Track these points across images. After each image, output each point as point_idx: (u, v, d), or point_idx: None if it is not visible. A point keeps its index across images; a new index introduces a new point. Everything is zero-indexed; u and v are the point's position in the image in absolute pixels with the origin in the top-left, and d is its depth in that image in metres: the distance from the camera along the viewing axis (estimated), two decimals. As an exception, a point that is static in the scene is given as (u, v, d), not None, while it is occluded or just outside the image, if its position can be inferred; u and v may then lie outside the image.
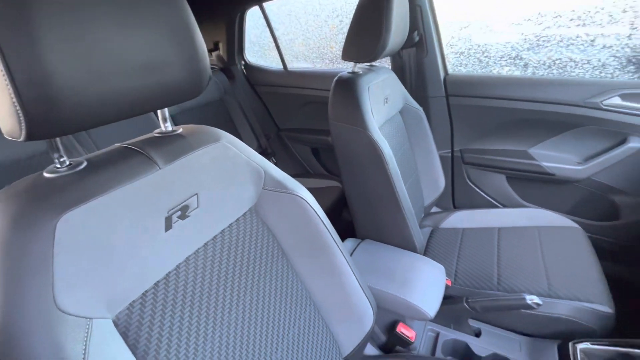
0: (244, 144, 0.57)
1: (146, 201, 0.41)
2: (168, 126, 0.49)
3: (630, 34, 1.11)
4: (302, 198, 0.58)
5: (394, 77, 1.07)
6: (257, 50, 1.88)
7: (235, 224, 0.54)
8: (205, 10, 1.67)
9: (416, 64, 1.26)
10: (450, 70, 1.31)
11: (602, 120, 1.08)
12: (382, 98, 0.96)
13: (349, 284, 0.64)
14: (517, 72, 1.33)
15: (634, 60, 1.12)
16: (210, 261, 0.50)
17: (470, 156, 1.34)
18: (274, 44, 1.67)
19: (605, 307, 0.77)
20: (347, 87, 0.86)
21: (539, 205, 1.24)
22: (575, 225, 1.07)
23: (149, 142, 0.45)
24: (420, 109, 1.17)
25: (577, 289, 0.81)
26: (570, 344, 0.73)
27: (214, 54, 1.77)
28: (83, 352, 0.32)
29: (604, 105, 1.05)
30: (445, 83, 1.28)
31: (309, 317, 0.62)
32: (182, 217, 0.45)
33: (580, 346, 0.73)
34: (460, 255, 1.02)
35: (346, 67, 1.46)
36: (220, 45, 1.76)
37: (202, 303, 0.47)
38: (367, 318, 0.67)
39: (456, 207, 1.44)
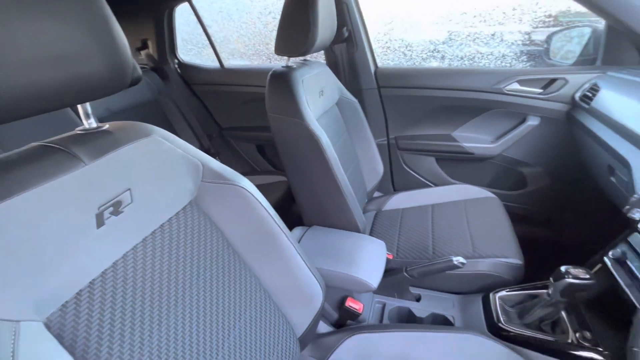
0: (179, 138, 0.57)
1: (73, 198, 0.39)
2: (92, 122, 0.47)
3: (521, 30, 1.31)
4: (243, 188, 0.60)
5: (328, 71, 1.13)
6: (191, 48, 1.82)
7: (175, 218, 0.54)
8: (128, 6, 1.57)
9: (348, 59, 1.34)
10: (379, 64, 1.41)
11: (506, 103, 1.25)
12: (318, 90, 1.01)
13: (297, 267, 0.67)
14: (436, 64, 1.48)
15: (525, 51, 1.31)
16: (151, 257, 0.50)
17: (404, 142, 1.45)
18: (208, 42, 1.63)
19: (516, 260, 0.91)
20: (282, 80, 0.89)
21: (464, 181, 1.40)
22: (493, 195, 1.22)
23: (71, 139, 0.44)
24: (356, 100, 1.24)
25: (495, 248, 0.95)
26: (491, 295, 0.86)
27: (143, 52, 1.68)
28: (11, 355, 0.31)
29: (506, 90, 1.23)
30: (376, 76, 1.38)
31: (260, 303, 0.64)
32: (115, 213, 0.44)
33: (499, 294, 0.85)
34: (401, 233, 1.12)
35: (283, 63, 1.49)
36: (150, 43, 1.68)
37: (145, 299, 0.46)
38: (317, 297, 0.71)
39: (396, 190, 1.55)
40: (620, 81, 0.99)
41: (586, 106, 1.04)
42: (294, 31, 0.87)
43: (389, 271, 0.95)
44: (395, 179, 1.53)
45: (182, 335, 0.49)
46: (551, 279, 0.71)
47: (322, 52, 1.43)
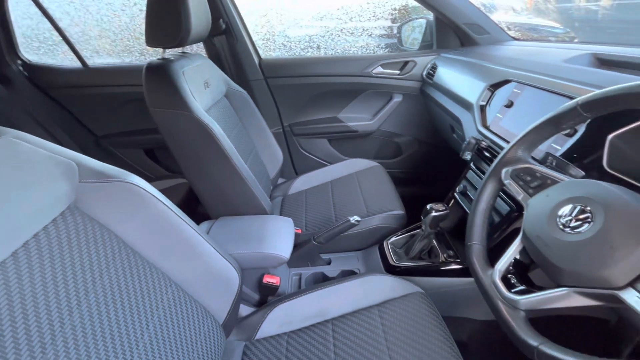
0: (41, 139, 0.51)
1: None
2: None
3: (384, 25, 1.54)
4: (131, 184, 0.57)
5: (210, 63, 1.12)
6: (39, 46, 1.53)
7: (53, 225, 0.49)
8: None
9: (230, 51, 1.35)
10: (262, 55, 1.46)
11: (376, 84, 1.46)
12: (201, 82, 1.00)
13: (207, 255, 0.67)
14: (314, 53, 1.62)
15: (384, 40, 1.55)
16: (27, 270, 0.44)
17: (298, 128, 1.55)
18: (61, 38, 1.40)
19: (399, 211, 1.10)
20: (160, 72, 0.86)
21: (354, 156, 1.57)
22: (378, 164, 1.42)
23: None
24: (244, 92, 1.27)
25: (382, 205, 1.12)
26: (384, 242, 1.02)
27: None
28: None
29: (374, 73, 1.43)
30: (261, 67, 1.42)
31: (173, 298, 0.62)
32: None
33: (389, 241, 1.02)
34: (307, 210, 1.21)
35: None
36: (-26, 42, 1.35)
37: (28, 318, 0.41)
38: (233, 280, 0.73)
39: (298, 173, 1.65)
40: (450, 60, 1.27)
41: (430, 81, 1.30)
42: (164, 21, 0.84)
43: (300, 244, 1.03)
44: (296, 164, 1.62)
45: (85, 345, 0.46)
46: (422, 216, 0.89)
47: (203, 45, 1.40)
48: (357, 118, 1.54)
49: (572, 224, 0.41)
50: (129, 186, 0.57)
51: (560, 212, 0.43)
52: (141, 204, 0.58)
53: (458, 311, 0.90)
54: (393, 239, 1.02)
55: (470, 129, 0.95)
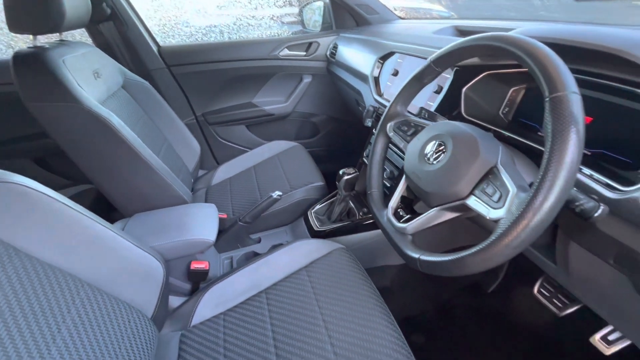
0: None
1: None
2: None
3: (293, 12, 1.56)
4: (14, 183, 0.52)
5: (98, 52, 1.03)
6: None
7: None
8: None
9: (121, 39, 1.24)
10: (161, 43, 1.37)
11: (284, 67, 1.50)
12: (89, 72, 0.91)
13: (121, 250, 0.65)
14: (217, 38, 1.58)
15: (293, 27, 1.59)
16: None
17: (213, 117, 1.52)
18: None
19: (319, 182, 1.17)
20: (32, 61, 0.76)
21: (274, 139, 1.61)
22: (298, 144, 1.48)
23: None
24: (145, 82, 1.19)
25: (304, 179, 1.18)
26: (307, 212, 1.08)
27: None
28: None
29: (281, 56, 1.47)
30: (161, 55, 1.34)
31: (87, 299, 0.59)
32: None
33: (312, 210, 1.09)
34: (232, 196, 1.21)
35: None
36: None
37: None
38: (156, 271, 0.71)
39: (219, 163, 1.62)
40: (348, 39, 1.37)
41: (334, 60, 1.39)
42: (31, 5, 0.75)
43: (228, 229, 1.03)
44: (216, 153, 1.59)
45: None
46: (336, 182, 0.97)
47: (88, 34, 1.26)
48: (272, 101, 1.57)
49: (434, 156, 0.52)
50: (12, 187, 0.52)
51: (426, 150, 0.53)
52: (30, 204, 0.53)
53: (378, 261, 1.02)
54: (317, 207, 1.10)
55: (369, 98, 1.06)
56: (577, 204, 0.40)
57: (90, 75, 0.91)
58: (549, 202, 0.34)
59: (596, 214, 0.39)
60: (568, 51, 0.49)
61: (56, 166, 1.47)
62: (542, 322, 0.97)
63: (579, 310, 0.84)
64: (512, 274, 1.06)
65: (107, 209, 1.32)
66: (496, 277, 1.08)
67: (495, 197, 0.42)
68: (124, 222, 0.91)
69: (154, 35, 1.34)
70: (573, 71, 0.51)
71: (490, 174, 0.45)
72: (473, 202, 0.45)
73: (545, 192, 0.35)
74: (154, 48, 1.33)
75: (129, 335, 0.63)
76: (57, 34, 0.93)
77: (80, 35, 1.28)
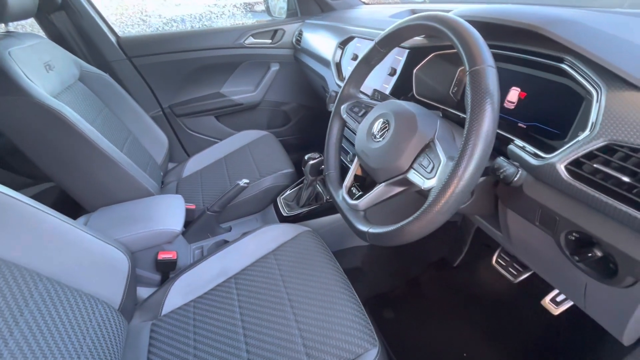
0: None
1: None
2: None
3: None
4: None
5: (49, 43, 0.99)
6: None
7: None
8: None
9: (76, 30, 1.19)
10: (120, 33, 1.33)
11: (251, 55, 1.48)
12: (40, 64, 0.88)
13: (81, 243, 0.64)
14: (179, 28, 1.54)
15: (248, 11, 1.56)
16: None
17: (180, 109, 1.49)
18: None
19: (288, 169, 1.18)
20: None
21: (244, 129, 1.60)
22: (268, 133, 1.48)
23: None
24: (105, 74, 1.15)
25: (273, 167, 1.18)
26: (277, 199, 1.10)
27: None
28: None
29: (246, 44, 1.45)
30: (120, 46, 1.30)
31: (46, 292, 0.59)
32: None
33: (282, 197, 1.11)
34: (203, 188, 1.20)
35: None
36: None
37: None
38: (121, 262, 0.71)
39: (189, 155, 1.60)
40: (312, 25, 1.37)
41: (299, 47, 1.39)
42: None
43: (197, 219, 1.04)
44: (186, 145, 1.57)
45: None
46: (302, 167, 0.99)
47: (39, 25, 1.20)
48: (240, 91, 1.55)
49: (379, 134, 0.54)
50: None
51: (373, 129, 0.56)
52: None
53: (347, 243, 1.05)
54: (286, 194, 1.11)
55: (332, 84, 1.07)
56: (501, 171, 0.43)
57: (40, 68, 0.87)
58: (469, 169, 0.37)
59: (515, 178, 0.42)
60: (494, 29, 0.52)
61: (17, 165, 1.41)
62: (501, 289, 1.03)
63: (531, 276, 0.91)
64: (474, 248, 1.12)
65: (74, 206, 1.29)
66: (460, 252, 1.14)
67: (429, 169, 0.45)
68: (87, 217, 0.89)
69: (111, 25, 1.29)
70: (500, 47, 0.54)
71: (427, 148, 0.47)
72: (412, 175, 0.48)
73: (466, 161, 0.37)
74: (112, 39, 1.28)
75: (94, 327, 0.64)
76: (2, 25, 0.89)
77: (31, 26, 1.22)
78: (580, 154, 0.39)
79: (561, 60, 0.46)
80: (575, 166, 0.40)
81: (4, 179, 1.41)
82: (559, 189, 0.42)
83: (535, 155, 0.46)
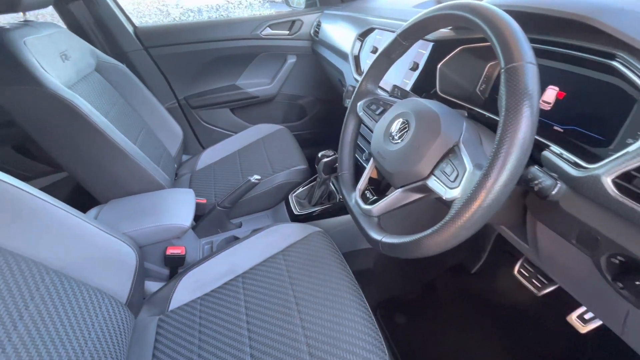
0: None
1: None
2: None
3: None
4: None
5: (66, 33, 0.98)
6: None
7: None
8: None
9: (94, 19, 1.19)
10: (137, 23, 1.32)
11: (268, 47, 1.45)
12: (56, 54, 0.87)
13: (89, 236, 0.64)
14: (195, 18, 1.52)
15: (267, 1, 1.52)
16: None
17: (195, 101, 1.48)
18: None
19: (302, 166, 1.15)
20: None
21: (259, 122, 1.58)
22: (283, 127, 1.45)
23: None
24: (121, 64, 1.15)
25: (287, 162, 1.16)
26: (289, 196, 1.07)
27: None
28: None
29: (263, 35, 1.41)
30: (137, 36, 1.29)
31: (52, 286, 0.58)
32: None
33: (294, 194, 1.08)
34: (216, 183, 1.19)
35: None
36: None
37: None
38: (129, 257, 0.70)
39: (204, 147, 1.59)
40: (332, 16, 1.32)
41: (317, 39, 1.34)
42: None
43: (207, 214, 1.02)
44: (200, 138, 1.56)
45: None
46: (315, 165, 0.95)
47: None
48: (256, 83, 1.52)
49: (397, 135, 0.49)
50: None
51: (391, 129, 0.51)
52: None
53: (359, 244, 1.01)
54: (298, 191, 1.08)
55: (350, 78, 1.02)
56: (536, 182, 0.38)
57: (56, 57, 0.87)
58: (500, 181, 0.33)
59: (553, 192, 0.37)
60: (534, 20, 0.46)
61: (38, 153, 1.45)
62: (522, 301, 0.97)
63: (557, 290, 0.84)
64: (494, 255, 1.06)
65: (89, 195, 1.31)
66: (479, 258, 1.08)
67: (453, 177, 0.40)
68: (98, 209, 0.89)
69: (128, 15, 1.29)
70: (541, 42, 0.48)
71: (451, 153, 0.43)
72: (432, 183, 0.44)
73: (497, 171, 0.33)
74: (130, 29, 1.28)
75: (99, 321, 0.63)
76: (21, 14, 0.89)
77: (52, 16, 1.23)
78: (631, 167, 0.34)
79: (612, 57, 0.40)
80: (624, 180, 0.35)
81: (24, 166, 1.45)
82: (602, 205, 0.37)
83: (576, 165, 0.41)
